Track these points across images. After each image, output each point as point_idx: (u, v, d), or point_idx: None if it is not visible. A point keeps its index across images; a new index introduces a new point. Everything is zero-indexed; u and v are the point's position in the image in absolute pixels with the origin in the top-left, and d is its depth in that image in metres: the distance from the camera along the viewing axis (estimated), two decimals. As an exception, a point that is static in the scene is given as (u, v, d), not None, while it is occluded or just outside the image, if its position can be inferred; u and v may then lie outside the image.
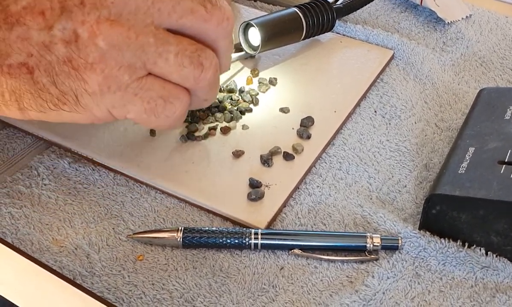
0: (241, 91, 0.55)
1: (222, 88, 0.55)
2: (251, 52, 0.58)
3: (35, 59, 0.36)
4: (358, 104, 0.55)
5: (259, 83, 0.56)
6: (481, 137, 0.46)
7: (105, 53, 0.36)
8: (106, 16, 0.36)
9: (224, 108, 0.53)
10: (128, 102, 0.39)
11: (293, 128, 0.52)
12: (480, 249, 0.42)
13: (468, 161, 0.44)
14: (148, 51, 0.37)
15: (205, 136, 0.51)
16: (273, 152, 0.49)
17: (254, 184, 0.46)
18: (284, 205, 0.46)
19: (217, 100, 0.53)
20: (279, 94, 0.56)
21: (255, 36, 0.57)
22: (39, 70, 0.36)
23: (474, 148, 0.45)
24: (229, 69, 0.46)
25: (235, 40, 0.58)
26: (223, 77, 0.55)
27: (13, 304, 0.38)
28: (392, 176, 0.49)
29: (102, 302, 0.38)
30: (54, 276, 0.39)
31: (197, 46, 0.39)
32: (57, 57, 0.36)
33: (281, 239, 0.43)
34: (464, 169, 0.43)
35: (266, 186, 0.46)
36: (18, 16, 0.35)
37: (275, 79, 0.57)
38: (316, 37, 0.61)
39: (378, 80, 0.58)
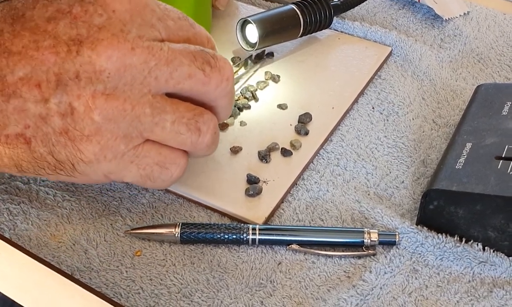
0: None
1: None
2: (249, 49, 0.58)
3: (32, 130, 0.36)
4: (356, 101, 0.55)
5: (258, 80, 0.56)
6: (478, 132, 0.46)
7: (101, 126, 0.36)
8: (101, 90, 0.35)
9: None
10: (124, 168, 0.39)
11: (291, 125, 0.52)
12: (477, 244, 0.42)
13: (465, 156, 0.44)
14: (144, 121, 0.37)
15: (203, 132, 0.51)
16: (271, 148, 0.49)
17: (252, 180, 0.46)
18: (282, 201, 0.46)
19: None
20: (277, 90, 0.56)
21: (252, 33, 0.57)
22: (36, 140, 0.36)
23: (471, 144, 0.45)
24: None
25: (233, 39, 0.58)
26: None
27: (11, 299, 0.38)
28: (390, 172, 0.49)
29: (101, 297, 0.38)
30: (52, 271, 0.39)
31: (194, 112, 0.39)
32: (54, 129, 0.36)
33: (278, 234, 0.43)
34: (462, 164, 0.43)
35: (264, 182, 0.47)
36: (15, 87, 0.35)
37: (278, 76, 0.57)
38: (314, 34, 0.62)
39: (376, 77, 0.58)
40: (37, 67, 0.35)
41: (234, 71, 0.56)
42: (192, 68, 0.37)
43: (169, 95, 0.38)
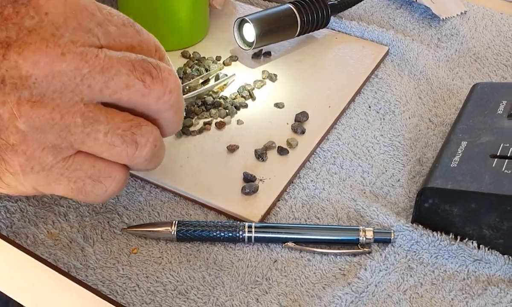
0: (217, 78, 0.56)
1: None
2: (246, 48, 0.58)
3: None
4: (352, 100, 0.55)
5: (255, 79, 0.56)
6: (473, 131, 0.47)
7: (27, 135, 0.34)
8: (27, 97, 0.33)
9: (219, 104, 0.53)
10: (54, 181, 0.36)
11: (287, 123, 0.52)
12: (472, 242, 0.42)
13: (460, 155, 0.44)
14: (74, 132, 0.35)
15: (200, 131, 0.51)
16: (268, 147, 0.49)
17: (248, 178, 0.46)
18: (278, 199, 0.46)
19: (211, 98, 0.54)
20: (274, 89, 0.56)
21: (249, 32, 0.57)
22: None
23: (466, 142, 0.45)
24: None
25: (230, 38, 0.59)
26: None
27: (7, 296, 0.38)
28: (386, 171, 0.49)
29: (97, 294, 0.38)
30: (49, 269, 0.39)
31: (131, 123, 0.36)
32: None
33: (274, 232, 0.43)
34: (457, 162, 0.44)
35: (260, 180, 0.47)
36: None
37: (275, 75, 0.57)
38: (311, 33, 0.62)
39: (372, 76, 0.58)
40: None
41: (201, 81, 0.55)
42: (131, 78, 0.35)
43: (108, 105, 0.36)
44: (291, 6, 0.59)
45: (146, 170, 0.41)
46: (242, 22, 0.58)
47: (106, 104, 0.36)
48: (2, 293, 0.38)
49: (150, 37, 0.38)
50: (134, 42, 0.37)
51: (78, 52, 0.33)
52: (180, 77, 0.55)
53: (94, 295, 0.38)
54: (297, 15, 0.58)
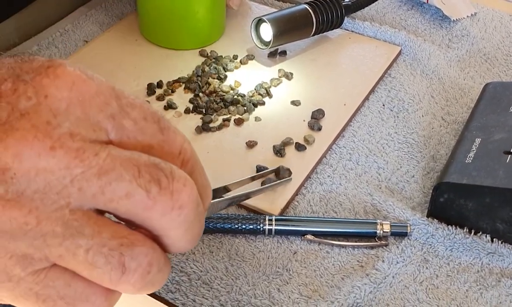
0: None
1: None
2: (263, 47, 0.59)
3: None
4: (366, 98, 0.57)
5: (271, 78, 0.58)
6: (487, 128, 0.48)
7: None
8: (1, 193, 0.27)
9: (238, 102, 0.54)
10: (20, 296, 0.30)
11: (304, 120, 0.53)
12: (486, 236, 0.44)
13: (474, 151, 0.46)
14: (51, 243, 0.28)
15: (219, 127, 0.52)
16: (286, 143, 0.51)
17: (261, 170, 0.48)
18: (296, 193, 0.48)
19: (230, 95, 0.55)
20: (290, 87, 0.57)
21: (267, 31, 0.59)
22: None
23: (480, 139, 0.47)
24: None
25: (245, 37, 0.60)
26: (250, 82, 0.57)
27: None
28: (401, 167, 0.50)
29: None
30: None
31: (122, 241, 0.29)
32: None
33: (294, 225, 0.44)
34: (471, 159, 0.45)
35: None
36: None
37: (291, 73, 0.58)
38: (325, 33, 0.63)
39: (386, 75, 0.60)
40: None
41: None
42: (133, 186, 0.28)
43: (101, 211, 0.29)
44: (307, 7, 0.60)
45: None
46: (259, 21, 0.59)
47: (100, 211, 0.29)
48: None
49: (177, 137, 0.31)
50: (154, 141, 0.30)
51: (74, 148, 0.28)
52: (198, 75, 0.57)
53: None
54: (313, 15, 0.60)
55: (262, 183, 0.47)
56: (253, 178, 0.47)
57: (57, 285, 0.30)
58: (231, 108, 0.54)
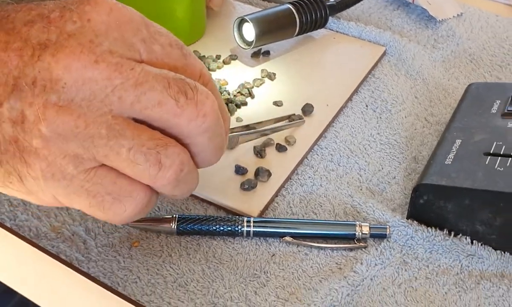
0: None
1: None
2: (245, 47, 0.59)
3: None
4: (350, 99, 0.56)
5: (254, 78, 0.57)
6: (468, 130, 0.48)
7: (49, 140, 0.33)
8: (54, 100, 0.32)
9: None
10: (73, 192, 0.35)
11: (286, 121, 0.53)
12: (466, 238, 0.43)
13: (454, 152, 0.45)
14: (98, 144, 0.33)
15: (200, 127, 0.52)
16: (266, 144, 0.50)
17: (240, 171, 0.47)
18: (276, 195, 0.47)
19: None
20: (273, 88, 0.57)
21: (249, 31, 0.58)
22: None
23: (461, 140, 0.46)
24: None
25: (229, 37, 0.59)
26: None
27: (12, 289, 0.39)
28: (382, 168, 0.50)
29: (100, 285, 0.39)
30: (52, 259, 0.40)
31: (158, 142, 0.34)
32: (4, 136, 0.33)
33: (272, 226, 0.44)
34: (451, 160, 0.45)
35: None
36: None
37: (274, 74, 0.58)
38: (309, 33, 0.63)
39: (370, 76, 0.59)
40: (0, 69, 0.33)
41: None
42: (164, 95, 0.34)
43: (139, 122, 0.35)
44: (290, 6, 0.60)
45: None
46: (242, 21, 0.58)
47: (137, 121, 0.34)
48: (5, 285, 0.39)
49: (197, 63, 0.37)
50: (178, 64, 0.36)
51: (113, 62, 0.33)
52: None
53: (97, 285, 0.39)
54: (296, 15, 0.59)
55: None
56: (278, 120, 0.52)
57: (105, 182, 0.35)
58: (213, 108, 0.53)
